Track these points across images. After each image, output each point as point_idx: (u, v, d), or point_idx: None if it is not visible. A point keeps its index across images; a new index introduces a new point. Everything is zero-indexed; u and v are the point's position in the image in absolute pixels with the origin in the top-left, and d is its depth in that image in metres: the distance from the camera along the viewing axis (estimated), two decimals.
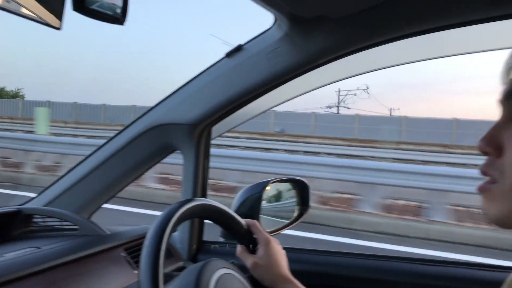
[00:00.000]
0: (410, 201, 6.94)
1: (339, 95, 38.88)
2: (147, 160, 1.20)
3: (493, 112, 0.57)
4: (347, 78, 1.04)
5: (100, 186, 1.20)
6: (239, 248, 0.95)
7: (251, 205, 1.13)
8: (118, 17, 0.74)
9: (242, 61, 1.01)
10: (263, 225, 1.15)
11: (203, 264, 0.81)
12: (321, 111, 34.76)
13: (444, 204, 6.13)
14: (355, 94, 38.90)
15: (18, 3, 0.61)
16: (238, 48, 1.02)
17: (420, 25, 0.89)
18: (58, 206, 1.18)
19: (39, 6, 0.63)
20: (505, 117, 0.55)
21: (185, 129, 1.12)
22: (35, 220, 1.12)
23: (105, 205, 1.27)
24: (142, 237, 1.05)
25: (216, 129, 1.17)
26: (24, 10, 0.62)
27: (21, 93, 40.98)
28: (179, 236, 1.24)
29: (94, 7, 0.69)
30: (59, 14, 0.66)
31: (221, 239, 1.27)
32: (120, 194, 1.28)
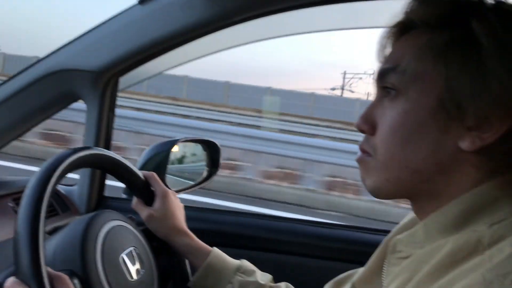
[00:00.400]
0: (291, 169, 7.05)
1: (344, 78, 38.01)
2: (47, 107, 1.11)
3: None
4: (259, 40, 1.04)
5: None
6: (134, 200, 0.92)
7: (157, 163, 1.10)
8: None
9: (155, 10, 0.96)
10: (169, 184, 1.14)
11: (94, 215, 0.78)
12: (325, 92, 33.33)
13: (320, 175, 6.43)
14: (360, 78, 38.20)
15: None
16: None
17: None
18: None
19: None
20: (378, 97, 0.58)
21: (89, 77, 1.05)
22: None
23: None
24: None
25: (124, 80, 1.11)
26: None
27: None
28: (78, 190, 1.19)
29: None
30: None
31: (124, 196, 1.24)
32: (9, 150, 1.18)
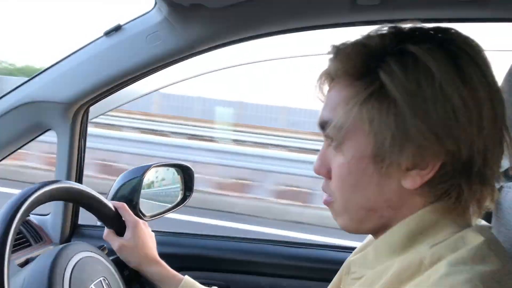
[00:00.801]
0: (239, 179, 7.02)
1: None
2: (17, 138, 1.12)
3: None
4: (226, 68, 1.07)
5: None
6: (106, 231, 0.94)
7: (131, 189, 1.12)
8: None
9: (121, 41, 0.99)
10: (144, 209, 1.15)
11: (62, 248, 0.79)
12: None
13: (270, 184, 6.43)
14: None
15: None
16: (117, 28, 0.99)
17: (293, 22, 0.94)
18: None
19: None
20: (326, 143, 0.61)
21: (59, 108, 1.07)
22: None
23: None
24: None
25: (94, 109, 1.13)
26: None
27: None
28: (52, 219, 1.19)
29: None
30: None
31: (99, 223, 1.25)
32: None
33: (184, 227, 4.66)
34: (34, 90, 1.08)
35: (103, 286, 0.80)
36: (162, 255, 0.96)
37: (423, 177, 0.53)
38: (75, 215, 1.21)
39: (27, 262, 0.98)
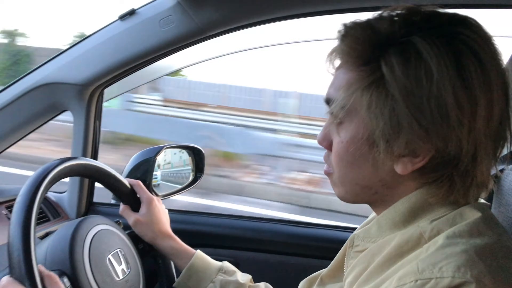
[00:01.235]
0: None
1: None
2: (34, 119, 1.16)
3: None
4: (239, 51, 1.10)
5: None
6: (121, 206, 0.98)
7: (144, 169, 1.16)
8: None
9: (135, 25, 1.02)
10: (157, 188, 1.20)
11: (81, 220, 0.84)
12: None
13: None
14: None
15: None
16: (132, 12, 1.02)
17: (307, 7, 0.96)
18: None
19: None
20: (330, 118, 0.64)
21: (75, 89, 1.11)
22: None
23: None
24: None
25: (109, 91, 1.17)
26: None
27: None
28: (68, 197, 1.24)
29: None
30: None
31: (113, 201, 1.30)
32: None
33: None
34: (51, 72, 1.12)
35: (119, 257, 0.85)
36: (175, 231, 1.00)
37: (415, 164, 0.56)
38: (90, 193, 1.26)
39: (46, 235, 1.04)
